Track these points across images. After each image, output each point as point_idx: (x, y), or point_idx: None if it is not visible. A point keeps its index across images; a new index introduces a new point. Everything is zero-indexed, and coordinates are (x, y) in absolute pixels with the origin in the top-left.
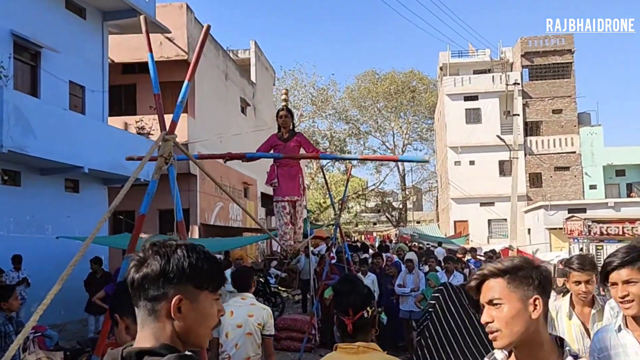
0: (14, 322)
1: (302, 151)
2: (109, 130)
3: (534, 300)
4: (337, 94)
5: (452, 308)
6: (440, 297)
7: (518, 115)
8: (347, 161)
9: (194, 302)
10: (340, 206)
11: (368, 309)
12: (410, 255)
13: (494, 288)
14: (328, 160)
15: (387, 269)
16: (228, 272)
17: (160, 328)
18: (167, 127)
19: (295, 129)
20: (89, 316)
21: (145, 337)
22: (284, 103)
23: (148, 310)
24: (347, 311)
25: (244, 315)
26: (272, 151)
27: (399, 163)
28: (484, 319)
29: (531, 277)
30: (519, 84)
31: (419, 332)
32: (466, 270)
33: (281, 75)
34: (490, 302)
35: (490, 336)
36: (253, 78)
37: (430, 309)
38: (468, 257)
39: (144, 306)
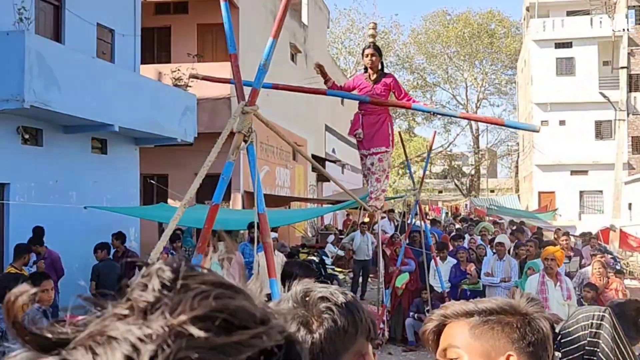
0: (49, 316)
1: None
2: (141, 81)
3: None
4: (401, 38)
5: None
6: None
7: (625, 68)
8: (413, 119)
9: None
10: (421, 180)
11: None
12: (502, 239)
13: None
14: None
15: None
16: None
17: None
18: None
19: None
20: None
21: None
22: (371, 39)
23: None
24: None
25: None
26: (355, 93)
27: (473, 122)
28: None
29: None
30: (626, 29)
31: None
32: (574, 260)
33: (335, 16)
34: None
35: None
36: (305, 20)
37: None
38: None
39: None
